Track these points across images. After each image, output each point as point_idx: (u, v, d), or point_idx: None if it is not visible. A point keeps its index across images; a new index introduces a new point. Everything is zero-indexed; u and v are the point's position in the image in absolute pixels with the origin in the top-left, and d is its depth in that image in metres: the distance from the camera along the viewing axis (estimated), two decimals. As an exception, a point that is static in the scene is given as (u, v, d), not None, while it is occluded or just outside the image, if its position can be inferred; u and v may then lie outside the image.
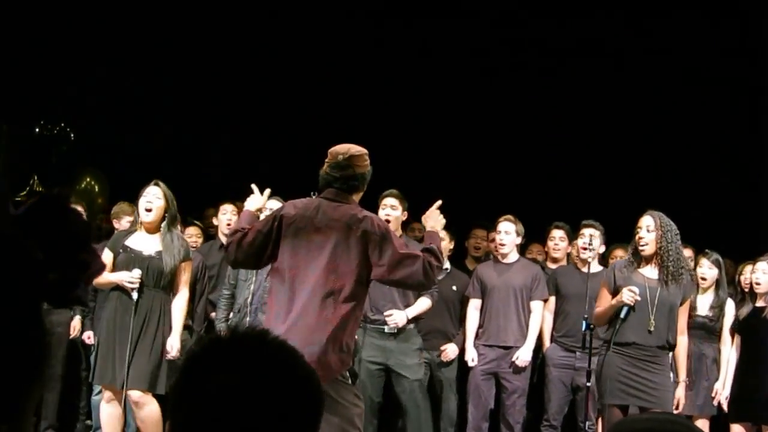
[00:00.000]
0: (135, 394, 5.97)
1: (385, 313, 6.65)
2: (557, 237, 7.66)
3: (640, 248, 5.83)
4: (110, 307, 6.18)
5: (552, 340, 7.34)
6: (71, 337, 7.48)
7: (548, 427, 7.19)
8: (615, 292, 5.85)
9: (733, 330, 6.96)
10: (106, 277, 6.08)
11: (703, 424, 6.90)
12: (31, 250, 1.08)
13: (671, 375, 5.97)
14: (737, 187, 9.27)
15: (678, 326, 5.88)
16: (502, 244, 7.32)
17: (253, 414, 1.42)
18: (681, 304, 5.86)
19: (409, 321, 6.87)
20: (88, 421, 7.87)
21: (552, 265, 7.69)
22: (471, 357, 7.24)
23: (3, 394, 0.96)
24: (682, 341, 5.99)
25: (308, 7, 9.85)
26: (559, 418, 7.20)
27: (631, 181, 9.29)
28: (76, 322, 7.49)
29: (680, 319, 5.90)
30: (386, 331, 6.80)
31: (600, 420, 6.89)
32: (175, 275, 6.16)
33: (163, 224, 6.18)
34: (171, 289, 6.20)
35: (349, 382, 4.62)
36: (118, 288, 6.10)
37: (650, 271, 5.84)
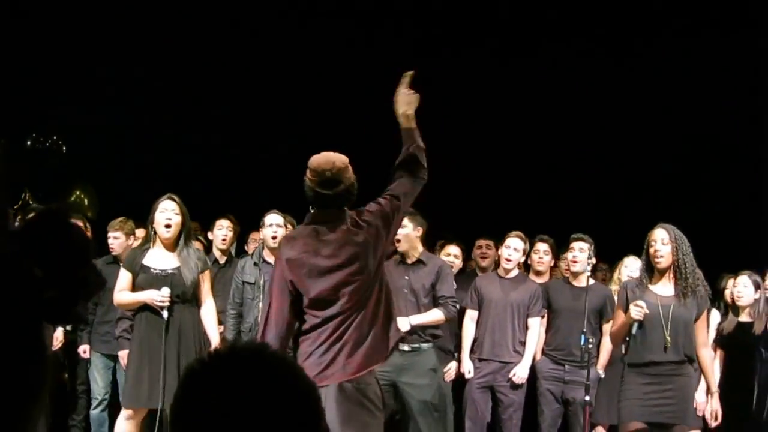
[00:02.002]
0: None
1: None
2: (541, 250, 7.61)
3: (656, 261, 5.71)
4: (139, 328, 6.13)
5: (542, 353, 7.34)
6: (54, 349, 7.45)
7: (543, 441, 7.18)
8: (627, 310, 5.75)
9: (716, 343, 6.95)
10: (133, 297, 6.06)
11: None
12: (30, 268, 1.05)
13: (694, 387, 5.87)
14: (735, 198, 9.28)
15: (699, 339, 5.76)
16: (509, 260, 7.31)
17: (253, 428, 1.41)
18: (698, 317, 5.73)
19: (425, 339, 6.80)
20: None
21: (535, 278, 7.62)
22: (467, 369, 7.22)
23: (3, 416, 0.93)
24: (707, 354, 5.87)
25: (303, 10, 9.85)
26: (553, 430, 7.19)
27: (621, 194, 9.31)
28: (58, 334, 7.45)
29: (700, 332, 5.77)
30: (400, 348, 6.71)
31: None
32: (197, 287, 6.13)
33: (180, 239, 6.16)
34: (195, 302, 6.17)
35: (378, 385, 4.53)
36: (146, 308, 6.05)
37: (662, 288, 5.74)
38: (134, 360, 6.11)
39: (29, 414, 0.99)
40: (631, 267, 7.17)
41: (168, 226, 6.10)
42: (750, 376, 6.74)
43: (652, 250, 5.74)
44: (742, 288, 6.89)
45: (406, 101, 4.61)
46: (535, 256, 7.64)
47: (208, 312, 6.21)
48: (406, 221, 6.61)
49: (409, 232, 6.70)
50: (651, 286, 5.77)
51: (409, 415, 6.83)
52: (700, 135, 9.33)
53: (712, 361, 5.99)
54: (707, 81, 9.33)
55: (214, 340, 6.13)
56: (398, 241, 6.45)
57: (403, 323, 6.49)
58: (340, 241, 4.41)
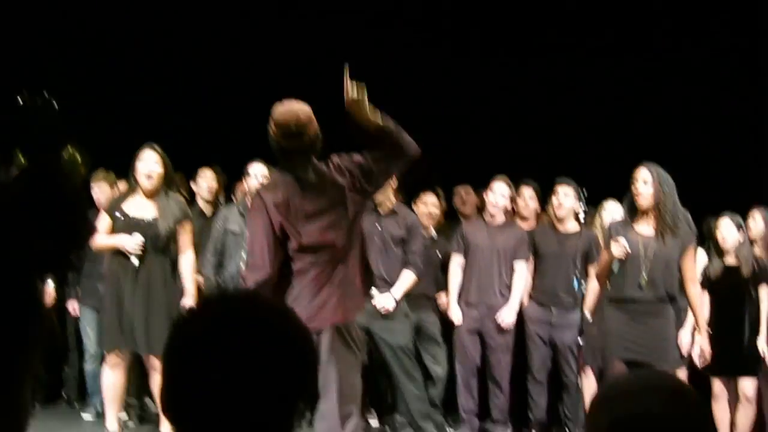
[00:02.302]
0: (155, 360, 6.01)
1: (372, 302, 6.60)
2: (527, 196, 7.60)
3: (639, 201, 5.79)
4: (111, 273, 6.21)
5: (530, 297, 7.39)
6: (48, 304, 7.45)
7: (533, 382, 7.28)
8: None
9: (703, 287, 6.96)
10: (107, 241, 6.14)
11: (682, 376, 6.95)
12: (22, 219, 1.04)
13: (673, 328, 5.95)
14: (732, 142, 9.25)
15: (686, 276, 5.83)
16: (495, 206, 7.32)
17: (246, 373, 1.41)
18: (682, 255, 5.80)
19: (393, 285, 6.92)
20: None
21: (521, 224, 7.61)
22: (456, 316, 7.27)
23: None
24: (694, 291, 5.91)
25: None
26: (543, 373, 7.28)
27: (611, 136, 9.26)
28: (50, 290, 7.46)
29: (687, 269, 5.84)
30: (371, 294, 6.81)
31: (583, 375, 7.01)
32: (175, 237, 6.19)
33: (161, 190, 6.21)
34: (169, 252, 6.23)
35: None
36: (118, 253, 6.11)
37: (645, 227, 5.82)
38: (108, 303, 6.22)
39: (26, 362, 0.99)
40: (610, 210, 7.22)
41: (149, 176, 6.16)
42: (741, 319, 6.79)
43: (634, 190, 5.80)
44: (725, 231, 6.92)
45: (363, 109, 4.41)
46: (520, 202, 7.64)
47: (186, 263, 6.26)
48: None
49: None
50: (635, 225, 5.84)
51: (384, 359, 6.93)
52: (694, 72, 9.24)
53: (700, 298, 6.04)
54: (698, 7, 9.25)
55: (189, 292, 6.19)
56: None
57: (387, 299, 6.72)
58: (321, 186, 4.45)
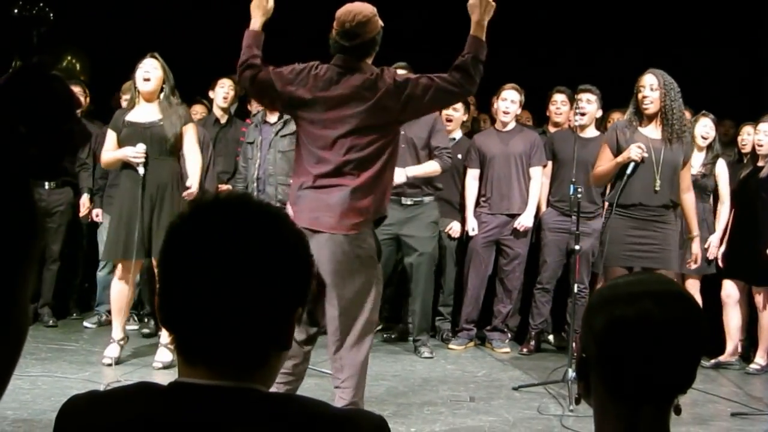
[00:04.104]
0: None
1: None
2: (559, 101, 7.64)
3: (644, 107, 5.72)
4: (120, 184, 6.27)
5: (548, 204, 7.37)
6: (81, 215, 7.53)
7: (541, 290, 7.33)
8: (617, 152, 5.77)
9: (733, 189, 6.99)
10: (112, 155, 6.19)
11: (693, 284, 7.00)
12: (12, 123, 1.03)
13: (677, 233, 5.93)
14: (738, 50, 9.12)
15: (683, 184, 5.83)
16: (506, 113, 7.28)
17: (241, 277, 1.40)
18: (684, 162, 5.79)
19: (426, 192, 6.94)
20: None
21: (554, 130, 7.64)
22: (471, 227, 7.31)
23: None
24: (689, 198, 5.94)
25: None
26: (553, 281, 7.33)
27: (629, 44, 9.13)
28: (84, 200, 7.51)
29: (685, 177, 5.85)
30: (403, 202, 6.83)
31: (594, 284, 7.04)
32: (180, 139, 6.18)
33: (162, 94, 6.22)
34: (176, 154, 6.23)
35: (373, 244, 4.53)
36: (126, 166, 6.16)
37: (652, 131, 5.76)
38: (113, 215, 6.31)
39: (20, 268, 1.00)
40: None
41: (147, 79, 6.20)
42: (760, 220, 6.77)
43: (640, 96, 5.74)
44: (762, 135, 6.83)
45: (482, 8, 4.41)
46: (552, 107, 7.65)
47: (192, 160, 6.26)
48: (405, 74, 6.62)
49: None
50: (641, 129, 5.78)
51: (410, 266, 7.00)
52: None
53: (693, 205, 6.03)
54: None
55: (192, 179, 6.19)
56: None
57: (399, 174, 6.54)
58: (355, 88, 4.39)
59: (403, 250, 7.04)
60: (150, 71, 6.20)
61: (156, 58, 6.24)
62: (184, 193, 6.12)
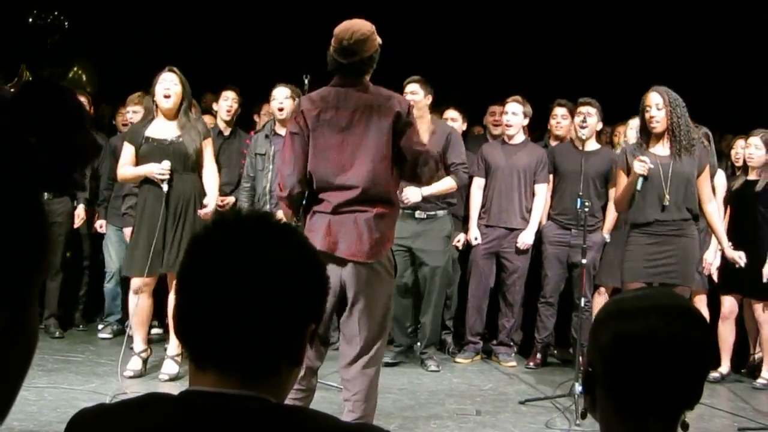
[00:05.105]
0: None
1: (402, 193, 6.46)
2: (559, 115, 7.63)
3: (652, 126, 5.73)
4: (141, 199, 6.25)
5: (548, 217, 7.38)
6: (76, 226, 7.54)
7: (545, 304, 7.31)
8: (629, 174, 5.77)
9: (726, 201, 7.00)
10: (135, 171, 6.17)
11: (701, 299, 7.00)
12: (24, 136, 1.04)
13: (698, 248, 5.93)
14: (734, 62, 9.15)
15: (703, 195, 5.81)
16: (509, 125, 7.30)
17: (258, 294, 1.43)
18: (700, 173, 5.77)
19: (440, 206, 6.94)
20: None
21: (554, 143, 7.65)
22: (474, 236, 7.32)
23: (2, 281, 0.94)
24: (712, 208, 5.90)
25: None
26: (556, 295, 7.32)
27: (630, 57, 9.16)
28: (80, 211, 7.53)
29: (704, 187, 5.82)
30: (416, 216, 6.84)
31: (597, 294, 7.06)
32: (200, 154, 6.21)
33: (181, 109, 6.22)
34: (198, 169, 6.24)
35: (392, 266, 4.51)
36: (148, 180, 6.14)
37: (661, 149, 5.76)
38: (136, 230, 6.27)
39: (30, 278, 1.00)
40: (636, 128, 7.17)
41: (167, 96, 6.18)
42: (753, 233, 6.79)
43: (647, 116, 5.74)
44: (753, 149, 6.89)
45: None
46: (553, 121, 7.66)
47: (210, 177, 6.27)
48: (417, 88, 6.77)
49: (420, 99, 6.72)
50: (649, 148, 5.78)
51: (422, 279, 7.01)
52: None
53: (718, 215, 6.01)
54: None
55: (211, 197, 6.19)
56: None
57: (414, 194, 6.54)
58: (361, 107, 4.38)
59: (416, 263, 7.03)
60: (170, 87, 6.18)
61: (175, 72, 6.22)
62: (200, 212, 6.12)
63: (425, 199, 6.72)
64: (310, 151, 4.43)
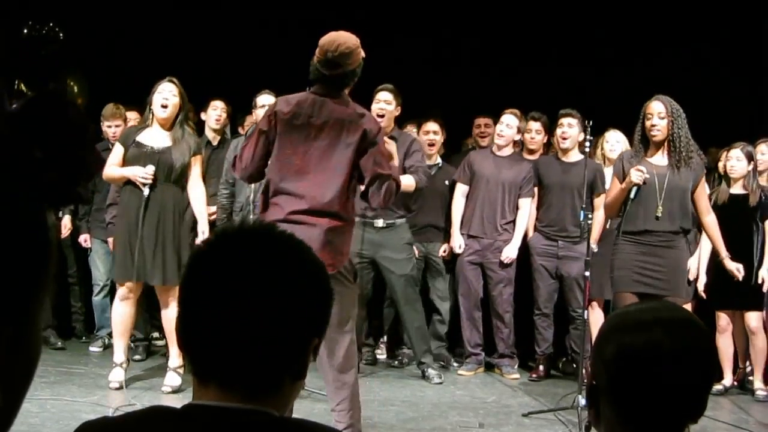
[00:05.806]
0: (167, 293, 6.13)
1: None
2: (533, 129, 7.60)
3: (652, 135, 5.72)
4: (122, 204, 6.25)
5: (535, 229, 7.39)
6: (62, 237, 7.53)
7: (540, 316, 7.31)
8: (624, 180, 5.75)
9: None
10: (119, 172, 6.17)
11: (688, 308, 6.99)
12: (29, 149, 1.04)
13: (686, 260, 5.93)
14: (728, 72, 9.15)
15: (701, 207, 5.83)
16: (501, 136, 7.32)
17: (262, 307, 1.42)
18: (696, 186, 5.78)
19: (399, 215, 6.93)
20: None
21: (528, 157, 7.62)
22: (458, 243, 7.33)
23: (7, 295, 0.94)
24: (711, 220, 5.91)
25: None
26: (550, 305, 7.32)
27: (617, 67, 9.19)
28: (66, 222, 7.53)
29: (701, 200, 5.84)
30: (375, 224, 6.86)
31: (590, 307, 7.03)
32: (187, 169, 6.20)
33: (177, 121, 6.24)
34: (181, 183, 6.23)
35: (351, 278, 4.59)
36: (130, 183, 6.15)
37: (658, 159, 5.75)
38: (119, 235, 6.27)
39: (35, 292, 1.00)
40: (611, 141, 7.20)
41: (164, 106, 6.21)
42: (747, 247, 6.79)
43: (648, 124, 5.73)
44: (735, 161, 6.93)
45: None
46: (527, 135, 7.63)
47: (198, 195, 6.27)
48: (391, 98, 6.74)
49: (392, 109, 6.75)
50: (647, 157, 5.78)
51: (391, 288, 7.00)
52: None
53: (715, 227, 6.00)
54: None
55: (202, 223, 6.20)
56: (382, 116, 6.57)
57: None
58: (332, 119, 4.45)
59: (382, 273, 7.02)
60: (168, 98, 6.20)
61: (174, 83, 6.25)
62: (197, 241, 6.09)
63: (384, 208, 6.70)
64: (274, 152, 4.52)
